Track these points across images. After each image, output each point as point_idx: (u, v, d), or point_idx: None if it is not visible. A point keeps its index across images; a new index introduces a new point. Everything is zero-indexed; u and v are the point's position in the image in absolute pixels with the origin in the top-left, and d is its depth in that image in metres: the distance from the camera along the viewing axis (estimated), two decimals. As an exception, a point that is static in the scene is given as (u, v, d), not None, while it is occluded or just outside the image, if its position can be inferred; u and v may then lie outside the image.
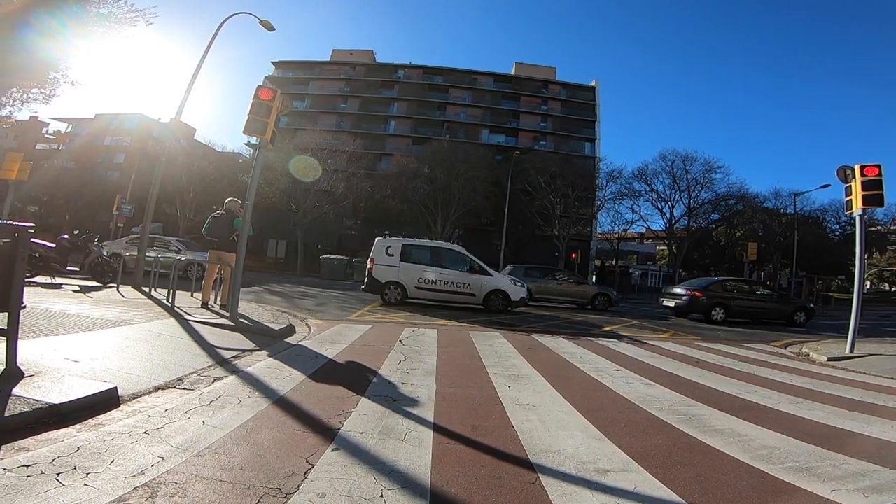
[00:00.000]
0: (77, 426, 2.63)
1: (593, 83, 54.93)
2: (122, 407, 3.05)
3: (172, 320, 6.57)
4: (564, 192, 35.75)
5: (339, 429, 2.98)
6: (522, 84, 53.98)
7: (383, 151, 48.28)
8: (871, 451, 3.19)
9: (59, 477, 2.02)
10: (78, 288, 9.18)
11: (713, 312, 14.58)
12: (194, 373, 4.07)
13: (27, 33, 10.10)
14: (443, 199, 34.14)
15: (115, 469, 2.15)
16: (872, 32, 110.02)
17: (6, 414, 2.51)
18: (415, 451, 2.69)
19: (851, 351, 8.27)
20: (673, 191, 38.63)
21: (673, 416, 3.76)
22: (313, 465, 2.39)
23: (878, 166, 8.31)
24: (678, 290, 16.05)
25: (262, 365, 4.66)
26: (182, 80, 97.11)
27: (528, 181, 35.61)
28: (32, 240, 8.14)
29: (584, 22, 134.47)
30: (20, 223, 3.09)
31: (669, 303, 15.78)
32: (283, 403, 3.46)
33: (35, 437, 2.42)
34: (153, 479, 2.09)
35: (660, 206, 39.14)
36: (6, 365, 2.98)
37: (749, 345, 9.40)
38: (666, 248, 44.00)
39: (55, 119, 52.66)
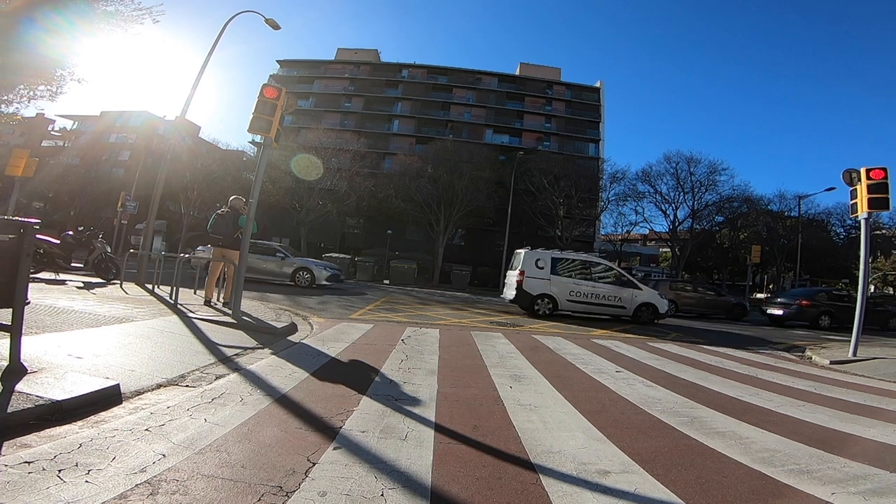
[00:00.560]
0: (79, 423, 2.64)
1: (598, 84, 54.86)
2: (124, 404, 3.06)
3: (175, 317, 6.59)
4: (568, 192, 35.70)
5: (341, 427, 2.98)
6: (527, 84, 53.91)
7: (387, 150, 48.32)
8: (873, 454, 3.18)
9: (60, 474, 2.03)
10: (82, 284, 9.23)
11: (820, 320, 15.68)
12: (197, 370, 4.08)
13: (34, 30, 10.16)
14: (446, 198, 34.13)
15: (116, 466, 2.16)
16: (879, 35, 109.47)
17: (9, 410, 2.52)
18: (416, 450, 2.69)
19: (854, 354, 8.24)
20: (677, 192, 38.57)
21: (674, 418, 3.75)
22: (314, 464, 2.39)
23: (884, 170, 8.27)
24: (785, 300, 16.93)
25: (264, 363, 4.67)
26: (187, 78, 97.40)
27: (531, 182, 35.58)
28: (37, 236, 8.20)
29: (590, 23, 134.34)
30: (25, 219, 3.10)
31: (776, 311, 16.55)
32: (284, 402, 3.46)
33: (37, 433, 2.43)
34: (154, 477, 2.10)
35: (663, 208, 39.10)
36: (9, 361, 2.99)
37: (752, 347, 9.38)
38: (669, 250, 43.86)
39: (61, 116, 53.01)
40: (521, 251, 13.17)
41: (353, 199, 35.51)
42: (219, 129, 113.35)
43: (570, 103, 53.19)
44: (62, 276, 10.14)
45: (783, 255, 39.15)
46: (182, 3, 52.48)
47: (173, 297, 7.69)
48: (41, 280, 9.03)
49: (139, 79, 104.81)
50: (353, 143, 39.50)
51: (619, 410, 3.94)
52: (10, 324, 2.98)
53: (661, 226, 40.88)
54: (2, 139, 39.01)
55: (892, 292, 57.32)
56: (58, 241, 10.59)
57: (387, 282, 26.18)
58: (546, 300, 12.43)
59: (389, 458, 2.55)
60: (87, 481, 1.99)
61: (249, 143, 44.83)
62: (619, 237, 44.54)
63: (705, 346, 8.96)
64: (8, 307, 2.98)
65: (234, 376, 4.04)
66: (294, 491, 2.09)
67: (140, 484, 2.02)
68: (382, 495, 2.12)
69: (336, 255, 28.64)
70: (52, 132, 54.58)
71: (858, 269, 9.12)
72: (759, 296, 26.44)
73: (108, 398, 3.04)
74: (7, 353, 3.02)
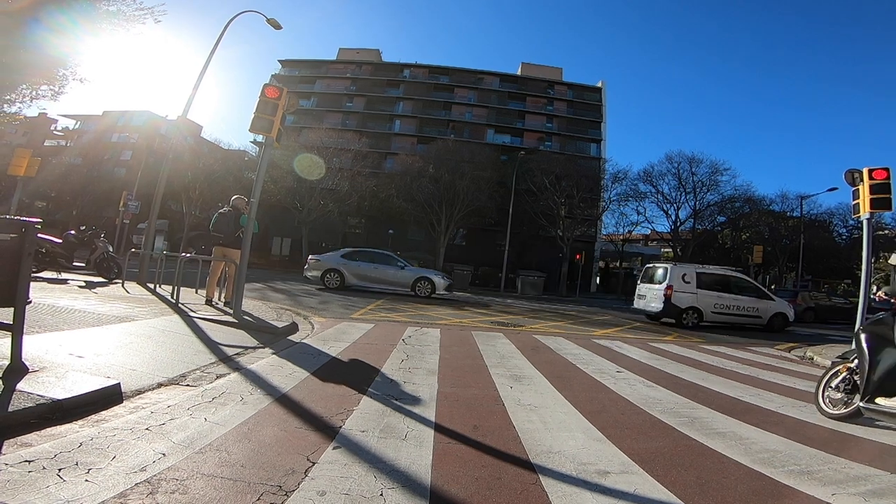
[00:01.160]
0: (80, 422, 2.65)
1: (599, 84, 54.79)
2: (124, 403, 3.07)
3: (176, 317, 6.61)
4: (569, 192, 35.63)
5: (341, 427, 2.98)
6: (528, 84, 53.85)
7: (388, 150, 48.30)
8: (873, 455, 3.17)
9: (60, 472, 2.03)
10: (83, 283, 9.25)
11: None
12: (197, 369, 4.09)
13: (37, 30, 10.18)
14: (447, 198, 34.09)
15: (116, 465, 2.17)
16: (882, 35, 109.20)
17: (9, 409, 2.53)
18: (416, 450, 2.69)
19: (857, 355, 8.20)
20: (678, 193, 38.51)
21: (674, 419, 3.75)
22: (314, 463, 2.39)
23: (887, 170, 8.24)
24: None
25: (264, 362, 4.67)
26: (189, 77, 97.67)
27: (532, 182, 35.52)
28: (39, 235, 8.21)
29: (591, 22, 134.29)
30: (27, 218, 3.11)
31: None
32: (284, 401, 3.47)
33: (38, 432, 2.43)
34: (154, 476, 2.10)
35: (665, 208, 39.04)
36: (11, 360, 3.00)
37: (753, 348, 9.36)
38: (671, 250, 43.79)
39: (63, 116, 53.07)
40: (666, 266, 14.01)
41: (354, 198, 35.49)
42: (221, 128, 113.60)
43: (572, 103, 53.12)
44: (64, 276, 10.17)
45: (785, 256, 39.07)
46: (184, 3, 52.56)
47: (175, 297, 7.71)
48: (43, 279, 9.05)
49: (141, 78, 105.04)
50: (355, 143, 39.51)
51: (619, 411, 3.94)
52: (11, 323, 2.99)
53: (663, 226, 40.84)
54: (4, 138, 39.05)
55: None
56: (60, 241, 10.62)
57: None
58: (693, 312, 13.07)
59: (389, 457, 2.55)
60: (87, 480, 1.99)
61: (251, 142, 44.82)
62: (621, 237, 44.49)
63: (706, 347, 8.94)
64: (9, 306, 2.98)
65: (234, 376, 4.04)
66: (293, 490, 2.09)
67: (140, 483, 2.02)
68: (382, 495, 2.12)
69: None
70: (55, 132, 54.68)
71: (860, 270, 9.09)
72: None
73: (108, 397, 3.04)
74: (8, 352, 3.03)
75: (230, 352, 4.94)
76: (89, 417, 2.73)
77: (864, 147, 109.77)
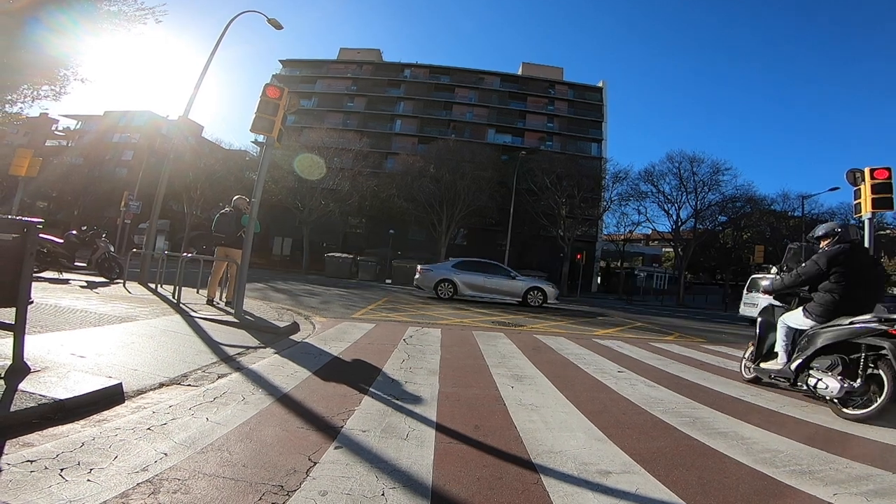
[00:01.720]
0: (81, 422, 2.65)
1: (600, 84, 54.77)
2: (126, 403, 3.07)
3: (178, 317, 6.62)
4: (570, 192, 35.64)
5: (342, 427, 2.98)
6: (529, 84, 53.86)
7: (389, 150, 48.34)
8: (875, 455, 3.16)
9: (62, 472, 2.03)
10: (85, 283, 9.26)
11: None
12: (199, 369, 4.09)
13: (38, 30, 10.21)
14: (448, 198, 34.11)
15: (118, 465, 2.17)
16: (884, 34, 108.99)
17: (12, 409, 2.53)
18: (417, 450, 2.69)
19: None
20: (680, 192, 38.40)
21: (676, 419, 3.74)
22: (315, 463, 2.39)
23: (889, 169, 8.21)
24: None
25: (266, 362, 4.68)
26: (190, 77, 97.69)
27: (533, 181, 35.53)
28: (41, 235, 8.21)
29: (593, 21, 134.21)
30: (29, 219, 3.11)
31: None
32: (286, 401, 3.47)
33: (40, 432, 2.44)
34: (156, 476, 2.10)
35: (666, 208, 38.93)
36: (13, 360, 3.01)
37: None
38: (672, 250, 43.76)
39: (65, 116, 53.07)
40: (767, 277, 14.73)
41: (355, 198, 35.51)
42: (222, 128, 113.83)
43: (573, 103, 53.13)
44: (65, 276, 10.18)
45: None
46: (185, 3, 52.62)
47: (176, 297, 7.73)
48: (45, 279, 9.07)
49: (142, 79, 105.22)
50: (356, 143, 39.51)
51: (620, 410, 3.93)
52: (13, 323, 2.99)
53: (664, 226, 40.75)
54: (6, 139, 39.07)
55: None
56: (61, 241, 10.64)
57: (389, 281, 26.20)
58: None
59: (390, 457, 2.55)
60: (88, 480, 2.00)
61: (252, 142, 44.86)
62: (622, 237, 44.47)
63: (707, 347, 8.94)
64: (11, 306, 2.99)
65: (236, 375, 4.05)
66: (295, 490, 2.09)
67: (142, 483, 2.02)
68: (383, 495, 2.12)
69: (338, 254, 28.71)
70: (56, 132, 54.70)
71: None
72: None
73: (110, 397, 3.05)
74: (10, 352, 3.03)
75: (231, 352, 4.94)
76: (91, 417, 2.74)
77: (867, 147, 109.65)
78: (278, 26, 14.09)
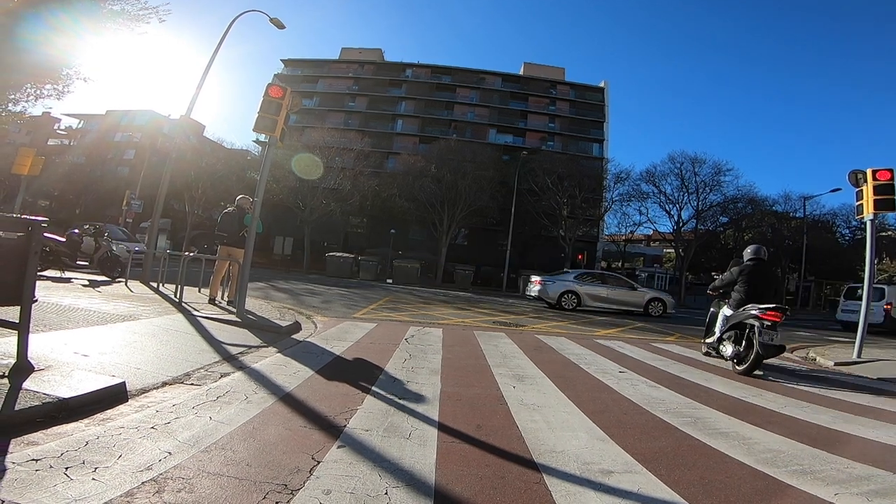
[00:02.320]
0: (85, 420, 2.66)
1: (602, 84, 54.69)
2: (130, 402, 3.08)
3: (180, 316, 6.63)
4: (571, 192, 35.60)
5: (345, 426, 2.99)
6: (531, 84, 53.80)
7: (390, 150, 48.33)
8: (876, 455, 3.17)
9: (67, 471, 2.04)
10: (87, 282, 9.28)
11: None
12: (202, 368, 4.10)
13: (41, 29, 10.21)
14: (449, 198, 34.08)
15: (122, 464, 2.18)
16: (886, 34, 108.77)
17: (16, 408, 2.54)
18: (419, 449, 2.70)
19: (859, 356, 8.20)
20: (681, 193, 38.28)
21: (677, 419, 3.75)
22: (319, 462, 2.40)
23: (891, 171, 8.21)
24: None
25: (268, 361, 4.69)
26: (192, 77, 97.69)
27: (535, 181, 35.49)
28: (44, 234, 8.21)
29: (594, 20, 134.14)
30: (33, 217, 3.12)
31: None
32: (289, 400, 3.48)
33: (44, 431, 2.45)
34: (160, 474, 2.11)
35: (667, 209, 38.84)
36: (17, 359, 3.01)
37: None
38: (673, 250, 43.71)
39: (67, 115, 53.17)
40: (883, 287, 16.88)
41: (356, 198, 35.49)
42: (224, 128, 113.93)
43: (574, 103, 53.06)
44: (68, 274, 10.20)
45: (788, 257, 38.97)
46: (187, 3, 52.69)
47: (178, 296, 7.74)
48: (47, 278, 9.08)
49: (145, 78, 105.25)
50: (357, 143, 39.51)
51: (622, 410, 3.94)
52: (18, 321, 3.00)
53: (665, 226, 40.65)
54: (8, 138, 39.12)
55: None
56: (63, 240, 10.66)
57: (390, 281, 26.21)
58: None
59: (393, 456, 2.56)
60: (93, 479, 2.01)
61: (254, 142, 44.96)
62: (623, 237, 44.44)
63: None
64: (16, 305, 2.99)
65: (238, 374, 4.06)
66: (299, 489, 2.10)
67: (146, 482, 2.03)
68: (386, 493, 2.13)
69: (340, 254, 28.72)
70: (58, 131, 54.79)
71: (863, 271, 9.08)
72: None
73: (114, 396, 3.06)
74: (14, 351, 3.05)
75: (234, 351, 4.95)
76: (95, 416, 2.75)
77: (868, 147, 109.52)
78: (280, 26, 14.10)
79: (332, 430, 2.90)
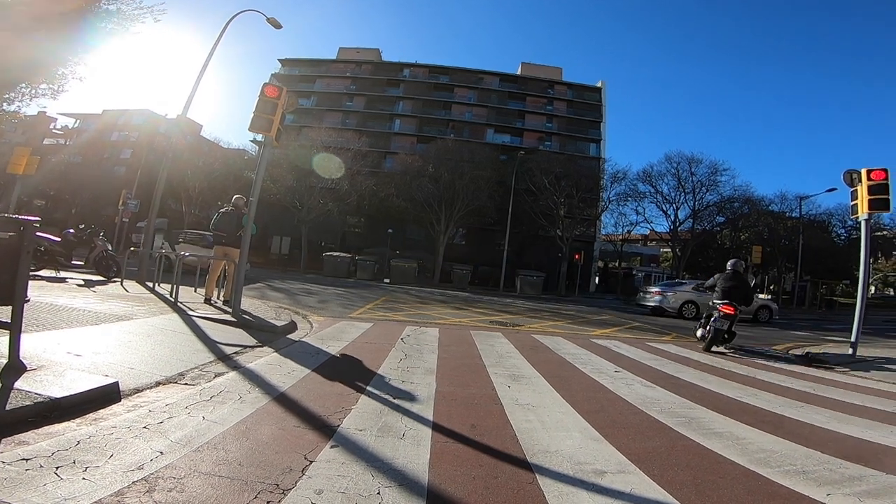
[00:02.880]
0: (77, 420, 2.65)
1: (599, 84, 54.75)
2: (123, 401, 3.07)
3: (175, 315, 6.61)
4: (569, 192, 35.60)
5: (339, 426, 2.99)
6: (528, 84, 53.79)
7: (388, 150, 48.24)
8: (869, 455, 3.18)
9: (57, 471, 2.04)
10: (82, 282, 9.25)
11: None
12: (196, 368, 4.09)
13: (35, 29, 10.16)
14: (447, 198, 34.06)
15: (113, 463, 2.17)
16: (887, 33, 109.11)
17: (7, 407, 2.53)
18: (413, 449, 2.70)
19: (854, 355, 8.23)
20: (678, 193, 38.45)
21: (672, 419, 3.76)
22: (311, 462, 2.40)
23: (885, 170, 8.24)
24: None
25: (263, 361, 4.68)
26: (189, 76, 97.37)
27: (532, 181, 35.51)
28: (38, 233, 8.20)
29: (592, 23, 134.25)
30: (26, 217, 3.11)
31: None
32: (282, 400, 3.47)
33: (36, 430, 2.44)
34: (151, 474, 2.11)
35: (664, 208, 38.99)
36: (9, 358, 3.00)
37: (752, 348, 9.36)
38: (670, 250, 43.79)
39: (63, 114, 52.89)
40: None
41: (354, 198, 35.43)
42: (220, 127, 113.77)
43: (572, 103, 53.06)
44: (63, 274, 10.16)
45: (784, 256, 39.07)
46: (184, 2, 52.34)
47: (174, 295, 7.71)
48: (41, 278, 9.05)
49: (141, 77, 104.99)
50: (355, 142, 39.42)
51: (616, 410, 3.95)
52: (9, 321, 2.99)
53: (662, 226, 40.80)
54: (4, 137, 38.93)
55: (892, 293, 57.39)
56: (58, 239, 10.62)
57: (387, 280, 26.19)
58: None
59: (386, 456, 2.56)
60: (84, 478, 2.00)
61: (251, 141, 44.74)
62: (620, 237, 44.46)
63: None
64: (8, 304, 2.98)
65: (233, 374, 4.05)
66: (291, 489, 2.10)
67: (137, 481, 2.03)
68: (379, 493, 2.12)
69: (337, 254, 28.68)
70: (54, 130, 54.56)
71: (859, 270, 9.11)
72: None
73: (106, 396, 3.05)
74: (6, 351, 3.03)
75: (229, 350, 4.94)
76: (87, 416, 2.74)
77: (864, 148, 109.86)
78: (277, 25, 14.06)
79: (326, 430, 2.90)
